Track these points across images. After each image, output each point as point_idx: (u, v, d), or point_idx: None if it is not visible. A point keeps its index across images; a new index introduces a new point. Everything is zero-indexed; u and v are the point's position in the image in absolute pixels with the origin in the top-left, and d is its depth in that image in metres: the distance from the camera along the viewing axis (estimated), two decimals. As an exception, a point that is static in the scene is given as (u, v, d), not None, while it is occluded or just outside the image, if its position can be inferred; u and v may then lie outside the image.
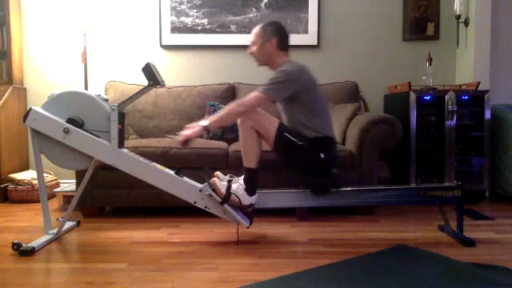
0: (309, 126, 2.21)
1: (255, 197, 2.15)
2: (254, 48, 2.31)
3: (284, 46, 2.30)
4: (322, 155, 2.20)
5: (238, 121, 2.18)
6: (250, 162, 2.16)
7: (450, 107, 3.11)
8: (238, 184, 2.14)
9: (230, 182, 2.15)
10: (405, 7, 3.61)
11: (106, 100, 2.21)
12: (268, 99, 2.15)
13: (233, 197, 2.10)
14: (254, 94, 2.15)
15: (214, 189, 2.10)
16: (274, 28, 2.28)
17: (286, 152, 2.25)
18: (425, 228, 2.46)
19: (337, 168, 2.29)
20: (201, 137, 3.11)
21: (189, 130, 2.13)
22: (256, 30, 2.30)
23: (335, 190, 2.21)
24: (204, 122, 2.13)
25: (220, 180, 2.16)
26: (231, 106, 2.15)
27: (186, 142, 2.13)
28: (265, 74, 3.59)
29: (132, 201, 2.69)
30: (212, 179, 2.13)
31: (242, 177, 2.19)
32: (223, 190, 2.09)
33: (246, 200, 2.12)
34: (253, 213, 2.20)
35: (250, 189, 2.14)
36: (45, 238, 2.16)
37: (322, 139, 2.22)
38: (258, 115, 2.17)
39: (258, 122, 2.16)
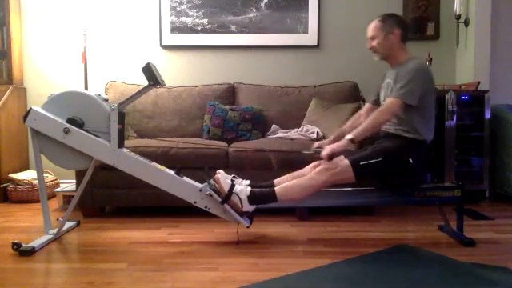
0: (417, 129, 2.14)
1: (254, 207, 2.10)
2: (374, 42, 2.24)
3: (406, 38, 2.24)
4: (411, 160, 2.12)
5: (316, 169, 2.11)
6: (283, 196, 2.08)
7: (449, 107, 3.11)
8: (243, 187, 2.10)
9: (233, 181, 2.14)
10: (405, 7, 3.61)
11: (106, 100, 2.21)
12: (404, 104, 2.08)
13: (234, 198, 2.07)
14: (390, 101, 2.09)
15: (217, 184, 2.08)
16: (396, 20, 2.24)
17: (374, 174, 2.17)
18: (425, 228, 2.46)
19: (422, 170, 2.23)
20: (200, 137, 3.14)
21: (334, 145, 2.11)
22: (374, 24, 2.25)
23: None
24: (349, 136, 2.09)
25: (225, 176, 2.14)
26: (374, 117, 2.10)
27: (332, 156, 2.09)
28: (265, 75, 3.62)
29: (132, 201, 2.69)
30: (216, 175, 2.11)
31: (247, 182, 2.16)
32: (226, 188, 2.07)
33: (246, 207, 2.08)
34: (253, 213, 2.19)
35: (256, 202, 2.09)
36: (45, 237, 2.15)
37: (417, 143, 2.14)
38: (334, 167, 2.09)
39: (336, 175, 2.08)
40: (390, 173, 2.16)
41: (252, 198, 2.07)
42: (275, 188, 2.10)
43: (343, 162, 2.10)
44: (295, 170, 2.29)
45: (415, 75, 2.09)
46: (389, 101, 2.11)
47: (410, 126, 2.14)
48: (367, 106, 2.44)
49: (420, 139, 2.15)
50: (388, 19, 2.24)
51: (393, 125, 2.19)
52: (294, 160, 2.53)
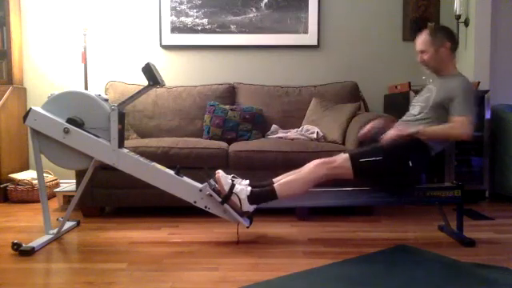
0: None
1: (254, 207, 2.10)
2: (425, 57, 2.24)
3: (455, 49, 2.27)
4: (411, 163, 2.10)
5: (314, 162, 2.10)
6: (283, 192, 2.08)
7: (450, 107, 3.11)
8: (243, 187, 2.10)
9: (233, 181, 2.14)
10: (405, 7, 3.61)
11: (106, 100, 2.21)
12: (473, 120, 2.11)
13: (234, 198, 2.07)
14: (461, 119, 2.09)
15: (217, 184, 2.08)
16: (445, 33, 2.24)
17: (373, 173, 2.14)
18: (425, 228, 2.46)
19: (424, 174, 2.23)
20: (200, 136, 3.14)
21: (398, 131, 2.11)
22: (424, 37, 2.24)
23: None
24: (415, 129, 2.09)
25: (225, 176, 2.13)
26: (447, 128, 2.11)
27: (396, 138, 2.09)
28: (265, 75, 3.62)
29: (132, 201, 2.69)
30: (217, 175, 2.11)
31: (247, 181, 2.15)
32: (226, 188, 2.07)
33: (246, 207, 2.08)
34: (253, 213, 2.19)
35: (256, 201, 2.08)
36: (45, 237, 2.15)
37: (419, 145, 2.12)
38: (333, 160, 2.10)
39: (335, 168, 2.08)
40: (387, 174, 2.14)
41: (252, 198, 2.07)
42: (274, 185, 2.10)
43: (342, 155, 2.11)
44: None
45: (472, 90, 2.16)
46: (460, 119, 2.10)
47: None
48: None
49: (424, 143, 2.13)
50: (438, 33, 2.23)
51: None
52: (293, 160, 2.53)
